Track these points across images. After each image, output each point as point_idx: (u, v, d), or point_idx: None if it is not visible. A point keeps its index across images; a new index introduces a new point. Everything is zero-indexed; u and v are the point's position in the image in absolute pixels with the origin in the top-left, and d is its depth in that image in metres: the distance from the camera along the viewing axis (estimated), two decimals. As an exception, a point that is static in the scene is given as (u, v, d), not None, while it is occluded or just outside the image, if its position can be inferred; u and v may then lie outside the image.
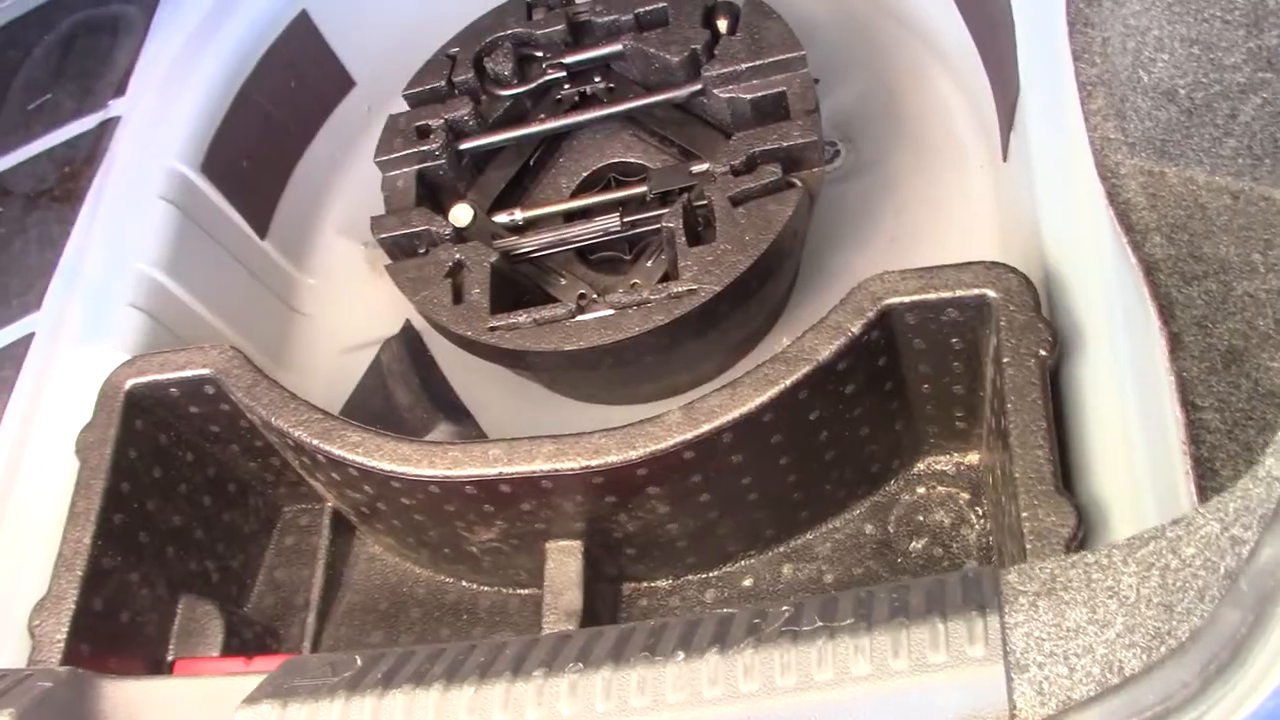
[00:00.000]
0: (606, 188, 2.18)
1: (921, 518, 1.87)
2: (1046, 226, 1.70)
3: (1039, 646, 1.03)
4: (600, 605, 1.86)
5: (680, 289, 1.88)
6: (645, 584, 1.93)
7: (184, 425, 1.98)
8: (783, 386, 1.64)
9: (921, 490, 1.89)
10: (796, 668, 1.08)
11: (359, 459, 1.75)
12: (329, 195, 2.56)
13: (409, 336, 2.35)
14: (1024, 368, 1.55)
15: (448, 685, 1.19)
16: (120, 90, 2.38)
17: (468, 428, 2.23)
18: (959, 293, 1.62)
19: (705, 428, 1.64)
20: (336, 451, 1.77)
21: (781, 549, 1.89)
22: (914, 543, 1.85)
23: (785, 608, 1.16)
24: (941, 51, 2.29)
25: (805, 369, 1.64)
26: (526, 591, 1.97)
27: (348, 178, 2.56)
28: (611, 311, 1.92)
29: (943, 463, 1.89)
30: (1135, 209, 1.54)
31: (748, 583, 1.89)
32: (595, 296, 1.98)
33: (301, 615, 2.03)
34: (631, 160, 2.18)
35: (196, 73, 2.34)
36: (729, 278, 1.87)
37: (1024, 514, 1.46)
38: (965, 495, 1.87)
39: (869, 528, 1.88)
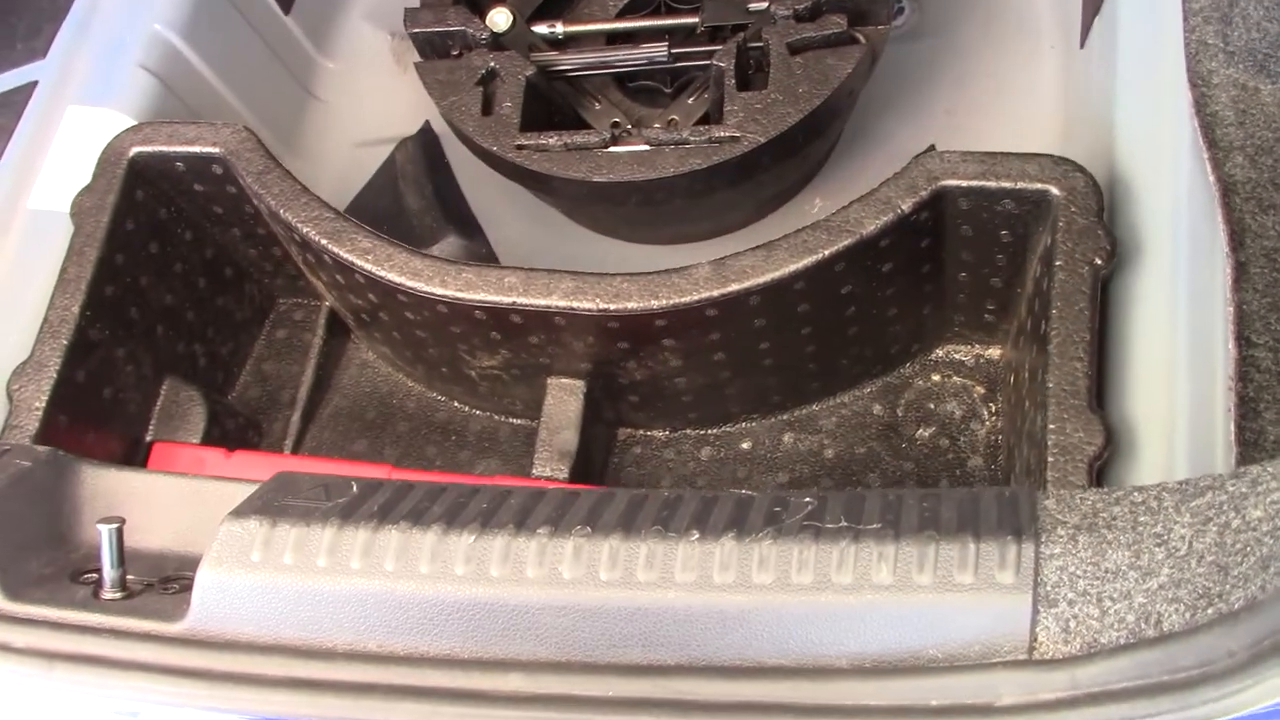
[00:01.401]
0: (655, 13, 2.06)
1: (932, 405, 1.82)
2: (1121, 127, 1.61)
3: (1072, 583, 0.99)
4: (594, 447, 1.82)
5: (722, 134, 1.79)
6: (642, 432, 1.88)
7: (186, 202, 1.89)
8: (820, 256, 1.57)
9: (936, 378, 1.83)
10: (815, 566, 1.03)
11: (367, 266, 1.68)
12: (360, -24, 2.42)
13: (427, 139, 2.24)
14: (1076, 274, 1.48)
15: (446, 529, 1.14)
16: None
17: (477, 244, 2.14)
18: (1020, 185, 1.54)
19: (734, 287, 1.57)
20: (345, 255, 1.70)
21: (785, 417, 1.85)
22: (921, 430, 1.81)
23: (808, 499, 1.11)
24: (1027, -83, 2.15)
25: (846, 241, 1.56)
26: (519, 421, 1.92)
27: (382, -40, 2.41)
28: (647, 148, 1.82)
29: (963, 353, 1.84)
30: (1221, 123, 1.45)
31: (746, 445, 1.85)
32: (630, 128, 1.88)
33: (286, 413, 1.98)
34: (686, -14, 2.06)
35: None
36: (775, 130, 1.78)
37: (1051, 425, 1.41)
38: (980, 390, 1.81)
39: (877, 408, 1.83)
